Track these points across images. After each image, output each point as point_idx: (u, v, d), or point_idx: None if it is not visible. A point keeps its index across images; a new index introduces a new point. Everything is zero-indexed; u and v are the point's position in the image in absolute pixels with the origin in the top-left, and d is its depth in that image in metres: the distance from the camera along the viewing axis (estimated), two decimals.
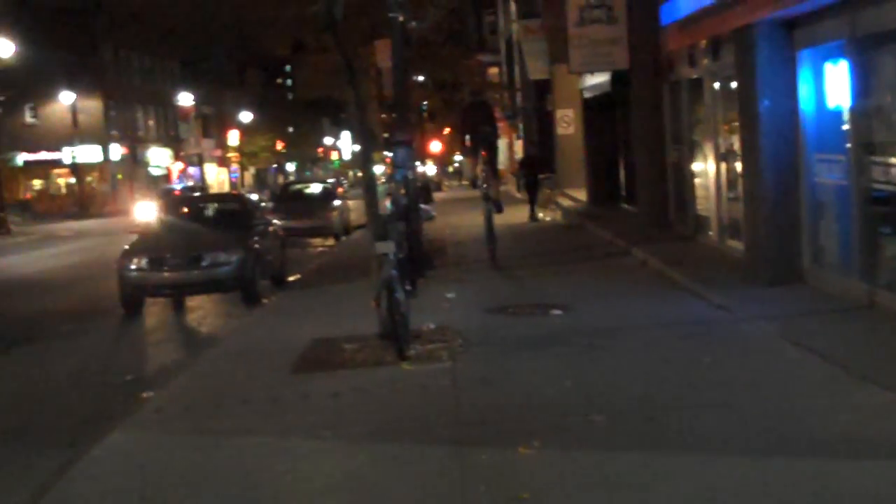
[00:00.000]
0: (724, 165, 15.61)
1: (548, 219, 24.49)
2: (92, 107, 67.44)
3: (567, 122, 32.46)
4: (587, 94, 27.37)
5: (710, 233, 16.57)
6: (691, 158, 17.90)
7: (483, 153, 18.59)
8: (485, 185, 18.73)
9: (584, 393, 8.18)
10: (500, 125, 61.89)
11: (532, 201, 27.97)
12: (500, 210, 18.74)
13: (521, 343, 10.46)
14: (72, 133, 62.83)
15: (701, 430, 6.98)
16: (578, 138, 30.90)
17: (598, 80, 24.66)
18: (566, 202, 30.30)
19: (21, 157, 68.43)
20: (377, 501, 6.08)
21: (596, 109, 27.36)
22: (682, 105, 18.21)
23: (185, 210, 19.84)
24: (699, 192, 17.51)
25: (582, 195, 29.79)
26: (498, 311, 12.46)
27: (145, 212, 39.04)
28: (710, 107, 16.13)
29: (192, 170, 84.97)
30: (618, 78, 22.19)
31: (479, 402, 8.14)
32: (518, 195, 36.16)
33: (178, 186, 60.31)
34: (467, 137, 19.43)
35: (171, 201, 26.64)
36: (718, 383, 8.22)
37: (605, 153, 27.20)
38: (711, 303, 11.78)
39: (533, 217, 27.24)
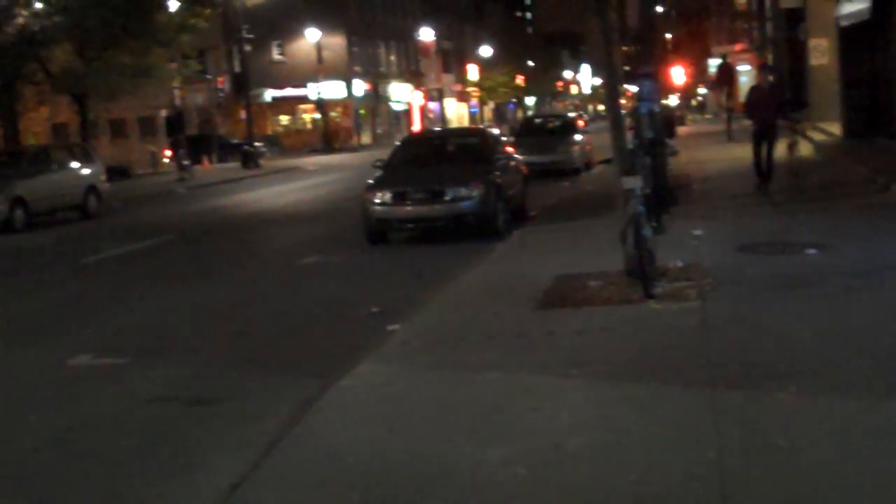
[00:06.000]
0: None
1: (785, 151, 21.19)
2: (336, 43, 69.23)
3: (821, 51, 31.05)
4: (844, 23, 26.05)
5: None
6: None
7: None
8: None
9: (843, 336, 7.74)
10: (748, 56, 60.13)
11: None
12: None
13: (774, 283, 10.00)
14: (316, 69, 64.58)
15: None
16: (832, 69, 29.53)
17: (855, 6, 23.41)
18: (818, 136, 29.05)
19: (269, 94, 71.21)
20: (627, 443, 5.90)
21: (853, 38, 26.03)
22: None
23: (428, 145, 20.03)
24: None
25: (835, 129, 28.49)
26: (748, 250, 11.99)
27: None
28: None
29: (431, 105, 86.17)
30: (879, 4, 20.94)
31: (731, 342, 7.82)
32: None
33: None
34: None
35: (415, 137, 26.94)
36: None
37: (863, 84, 25.94)
38: None
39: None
